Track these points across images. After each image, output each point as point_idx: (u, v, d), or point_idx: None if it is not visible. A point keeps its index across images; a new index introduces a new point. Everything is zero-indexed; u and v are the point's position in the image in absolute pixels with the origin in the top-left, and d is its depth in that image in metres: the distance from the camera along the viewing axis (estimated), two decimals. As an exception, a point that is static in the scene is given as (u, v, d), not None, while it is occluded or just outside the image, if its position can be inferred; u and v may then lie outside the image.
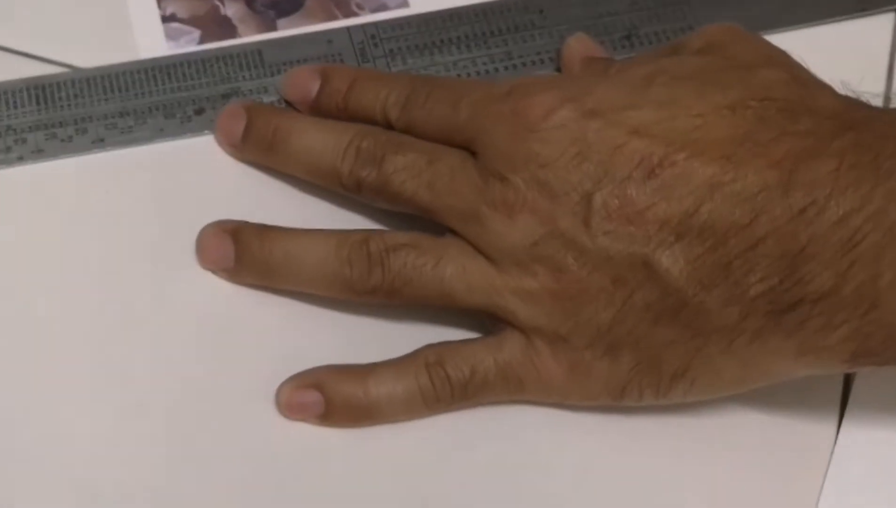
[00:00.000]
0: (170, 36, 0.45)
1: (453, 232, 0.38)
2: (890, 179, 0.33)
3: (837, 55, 0.43)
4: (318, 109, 0.42)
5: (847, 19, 0.47)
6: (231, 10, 0.46)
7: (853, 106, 0.36)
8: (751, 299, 0.34)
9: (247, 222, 0.40)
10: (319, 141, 0.40)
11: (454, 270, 0.38)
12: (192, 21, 0.46)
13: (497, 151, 0.37)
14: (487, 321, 0.39)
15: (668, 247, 0.35)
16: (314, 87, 0.42)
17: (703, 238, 0.34)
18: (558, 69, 0.45)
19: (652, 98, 0.36)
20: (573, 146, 0.36)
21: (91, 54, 0.44)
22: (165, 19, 0.46)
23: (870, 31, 0.47)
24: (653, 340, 0.36)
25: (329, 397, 0.38)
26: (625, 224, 0.35)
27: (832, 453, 0.39)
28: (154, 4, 0.46)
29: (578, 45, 0.44)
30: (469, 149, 0.38)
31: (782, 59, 0.37)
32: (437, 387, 0.38)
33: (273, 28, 0.46)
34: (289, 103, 0.43)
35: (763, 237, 0.34)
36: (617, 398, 0.37)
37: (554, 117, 0.36)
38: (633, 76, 0.37)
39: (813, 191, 0.34)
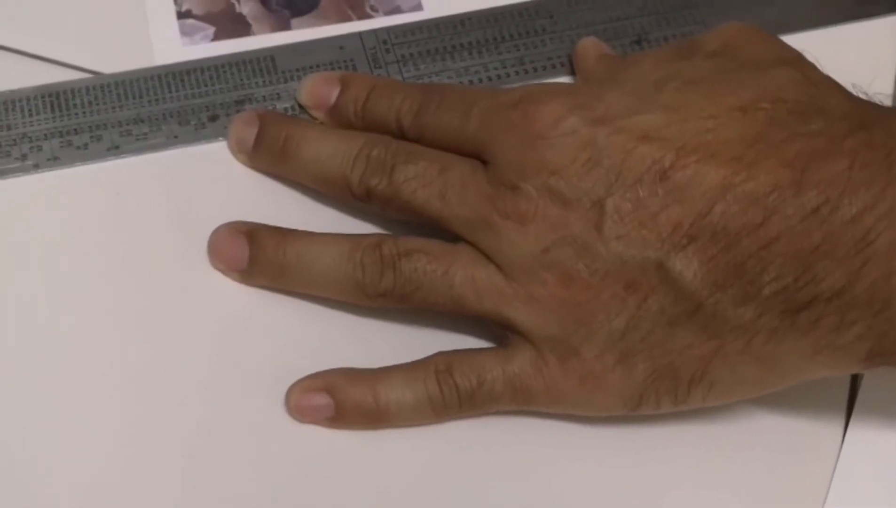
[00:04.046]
0: (185, 32, 0.46)
1: (465, 240, 0.38)
2: None
3: (844, 58, 0.43)
4: (336, 116, 0.43)
5: (853, 22, 0.47)
6: (246, 8, 0.46)
7: (864, 106, 0.36)
8: (765, 299, 0.34)
9: (261, 224, 0.40)
10: (330, 149, 0.40)
11: (463, 277, 0.38)
12: (207, 18, 0.46)
13: (508, 160, 0.37)
14: (497, 330, 0.39)
15: (682, 249, 0.35)
16: (333, 93, 0.43)
17: (716, 239, 0.35)
18: (571, 73, 0.45)
19: (663, 103, 0.36)
20: (584, 152, 0.36)
21: (106, 48, 0.45)
22: (181, 15, 0.46)
23: (876, 35, 0.47)
24: (668, 345, 0.36)
25: (339, 400, 0.38)
26: (637, 228, 0.35)
27: (838, 455, 0.39)
28: (170, 0, 0.46)
29: (591, 46, 0.45)
30: (480, 158, 0.38)
31: (795, 60, 0.38)
32: (446, 395, 0.38)
33: (287, 27, 0.46)
34: (303, 109, 0.43)
35: (776, 237, 0.34)
36: (634, 408, 0.37)
37: (564, 124, 0.36)
38: (644, 82, 0.37)
39: (826, 190, 0.34)
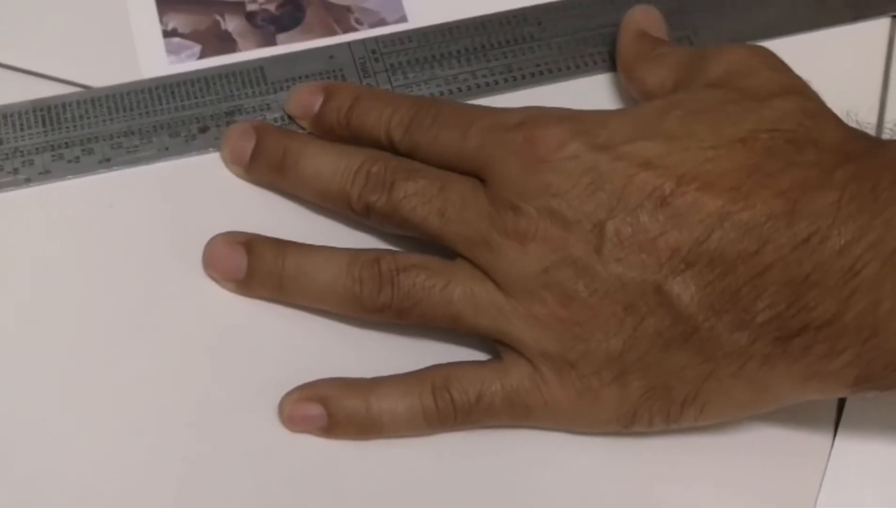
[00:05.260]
0: (171, 50, 0.45)
1: (463, 257, 0.39)
2: (887, 209, 0.35)
3: (834, 61, 0.44)
4: (320, 124, 0.43)
5: (844, 25, 0.48)
6: (231, 25, 0.46)
7: (856, 138, 0.37)
8: (759, 325, 0.35)
9: (259, 235, 0.41)
10: (330, 165, 0.41)
11: (462, 293, 0.38)
12: (192, 36, 0.46)
13: (509, 181, 0.38)
14: (492, 344, 0.39)
15: (680, 274, 0.36)
16: (317, 102, 0.43)
17: (713, 266, 0.35)
18: (559, 80, 0.45)
19: (665, 131, 0.37)
20: (586, 176, 0.37)
21: (93, 69, 0.45)
22: (167, 34, 0.46)
23: (866, 37, 0.48)
24: (663, 366, 0.37)
25: (332, 411, 0.39)
26: (636, 252, 0.36)
27: (828, 461, 0.40)
28: (156, 19, 0.46)
29: (641, 17, 0.44)
30: (477, 176, 0.39)
31: (797, 89, 0.38)
32: (441, 409, 0.38)
33: (273, 43, 0.46)
34: (292, 119, 0.44)
35: (770, 265, 0.35)
36: (627, 425, 0.38)
37: (567, 149, 0.37)
38: (647, 111, 0.38)
39: (816, 221, 0.35)
